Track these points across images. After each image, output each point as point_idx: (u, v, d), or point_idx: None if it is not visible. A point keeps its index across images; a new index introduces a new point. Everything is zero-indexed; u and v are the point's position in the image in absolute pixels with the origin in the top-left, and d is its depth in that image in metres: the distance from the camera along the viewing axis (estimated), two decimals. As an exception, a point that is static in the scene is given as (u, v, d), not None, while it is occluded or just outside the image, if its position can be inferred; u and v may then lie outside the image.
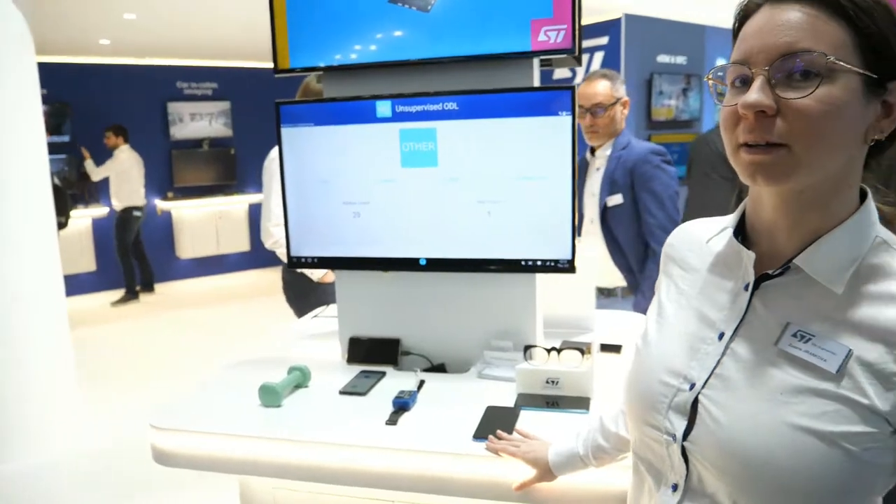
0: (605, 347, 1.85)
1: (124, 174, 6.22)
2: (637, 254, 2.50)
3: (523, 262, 1.63)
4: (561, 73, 5.62)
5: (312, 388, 1.66)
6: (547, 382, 1.54)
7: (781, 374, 0.73)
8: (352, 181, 1.72)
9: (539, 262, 1.62)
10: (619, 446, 1.11)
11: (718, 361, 0.78)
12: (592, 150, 2.60)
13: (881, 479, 0.71)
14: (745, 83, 0.72)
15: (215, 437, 1.44)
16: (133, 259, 6.46)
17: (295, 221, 1.79)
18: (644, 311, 2.45)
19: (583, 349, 1.56)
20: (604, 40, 5.59)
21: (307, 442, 1.39)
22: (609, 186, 2.50)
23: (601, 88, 2.47)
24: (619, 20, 5.43)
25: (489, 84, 1.62)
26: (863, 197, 0.77)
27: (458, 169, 1.63)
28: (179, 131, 7.23)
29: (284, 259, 2.74)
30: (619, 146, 2.52)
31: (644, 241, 2.47)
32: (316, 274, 2.84)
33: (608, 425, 1.12)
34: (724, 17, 6.14)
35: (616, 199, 2.49)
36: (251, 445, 1.41)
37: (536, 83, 1.65)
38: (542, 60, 1.68)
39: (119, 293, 6.48)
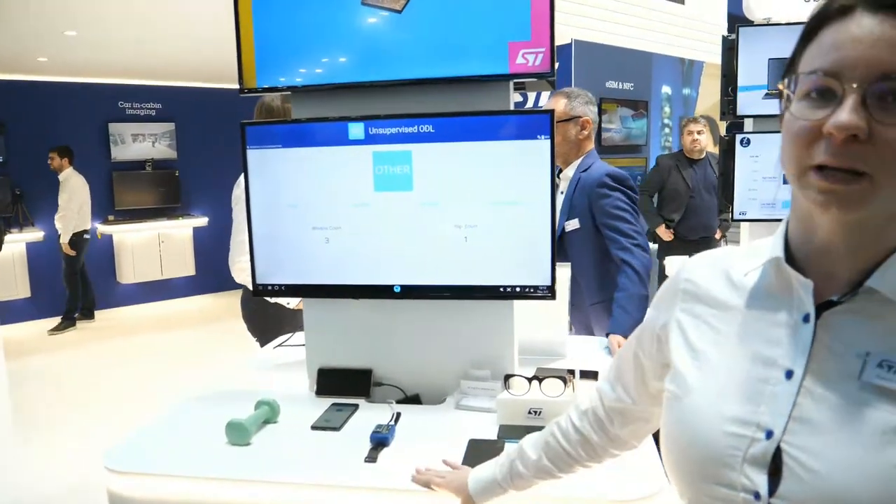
0: (583, 374, 1.82)
1: (76, 197, 5.97)
2: (596, 278, 2.40)
3: (501, 289, 1.60)
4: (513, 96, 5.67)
5: (282, 423, 1.57)
6: (529, 413, 1.50)
7: (875, 412, 0.65)
8: (322, 205, 1.66)
9: (518, 289, 1.59)
10: (538, 473, 1.06)
11: (794, 403, 0.70)
12: (559, 173, 2.55)
13: None
14: (826, 97, 0.64)
15: (180, 479, 1.34)
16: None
17: (261, 248, 1.71)
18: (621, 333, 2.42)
19: (565, 378, 1.52)
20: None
21: (281, 483, 1.30)
22: (568, 210, 2.41)
23: (557, 105, 2.40)
24: (569, 45, 5.54)
25: (464, 106, 1.59)
26: None
27: (434, 193, 1.59)
28: (121, 153, 6.98)
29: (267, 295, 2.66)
30: (581, 168, 2.43)
31: (605, 267, 2.37)
32: (293, 302, 2.70)
33: (527, 450, 1.07)
34: (668, 47, 6.34)
35: (573, 224, 2.40)
36: (220, 488, 1.32)
37: (511, 107, 1.63)
38: (515, 84, 1.66)
39: (56, 320, 6.16)
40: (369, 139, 1.60)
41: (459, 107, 1.59)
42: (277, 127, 1.66)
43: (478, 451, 1.37)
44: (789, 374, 0.71)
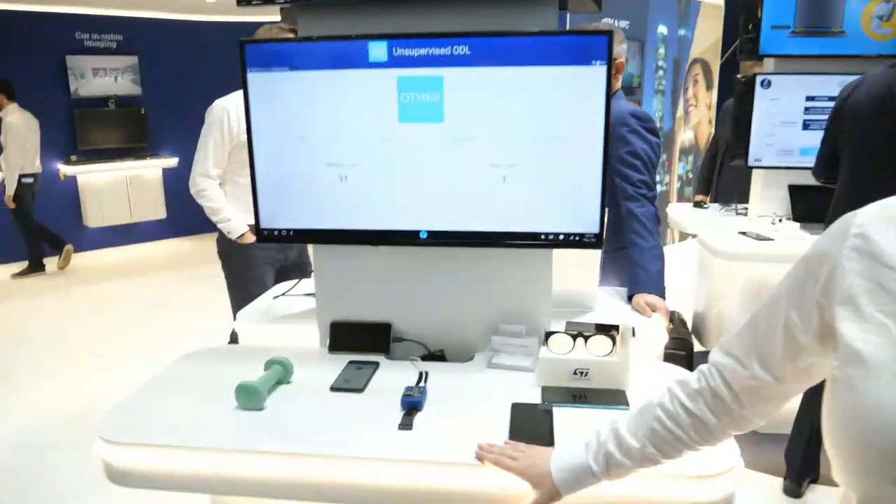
0: (601, 328, 1.68)
1: (17, 139, 5.46)
2: (610, 225, 2.24)
3: (542, 237, 1.43)
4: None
5: (296, 384, 1.40)
6: (574, 374, 1.35)
7: None
8: (337, 139, 1.45)
9: (561, 237, 1.42)
10: (642, 462, 0.94)
11: None
12: None
13: None
14: None
15: (186, 451, 1.17)
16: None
17: (265, 187, 1.51)
18: (616, 281, 2.29)
19: (613, 335, 1.38)
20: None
21: (304, 455, 1.14)
22: None
23: None
24: (563, -19, 5.25)
25: (504, 26, 1.39)
26: None
27: (468, 126, 1.39)
28: (83, 88, 6.52)
29: (212, 215, 2.58)
30: None
31: (620, 213, 2.17)
32: (234, 231, 2.58)
33: (627, 438, 0.94)
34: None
35: None
36: (234, 460, 1.15)
37: (556, 27, 1.43)
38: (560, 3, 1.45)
39: (20, 265, 5.82)
40: (393, 62, 1.38)
41: (498, 26, 1.38)
42: (285, 46, 1.44)
43: (523, 417, 1.23)
44: None
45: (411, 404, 1.26)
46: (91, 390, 3.44)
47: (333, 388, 1.36)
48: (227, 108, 2.48)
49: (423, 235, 1.46)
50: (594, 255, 1.78)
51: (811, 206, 3.05)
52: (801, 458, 2.37)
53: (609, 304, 1.92)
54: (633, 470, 0.94)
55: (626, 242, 2.03)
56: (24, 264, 5.83)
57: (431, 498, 1.12)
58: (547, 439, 1.14)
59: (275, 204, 1.51)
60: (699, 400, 0.89)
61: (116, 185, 6.69)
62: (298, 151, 1.47)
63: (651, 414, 0.93)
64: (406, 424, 1.20)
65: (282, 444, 1.16)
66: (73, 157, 6.53)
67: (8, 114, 5.47)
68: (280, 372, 1.38)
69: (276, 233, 1.53)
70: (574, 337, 1.38)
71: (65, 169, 6.41)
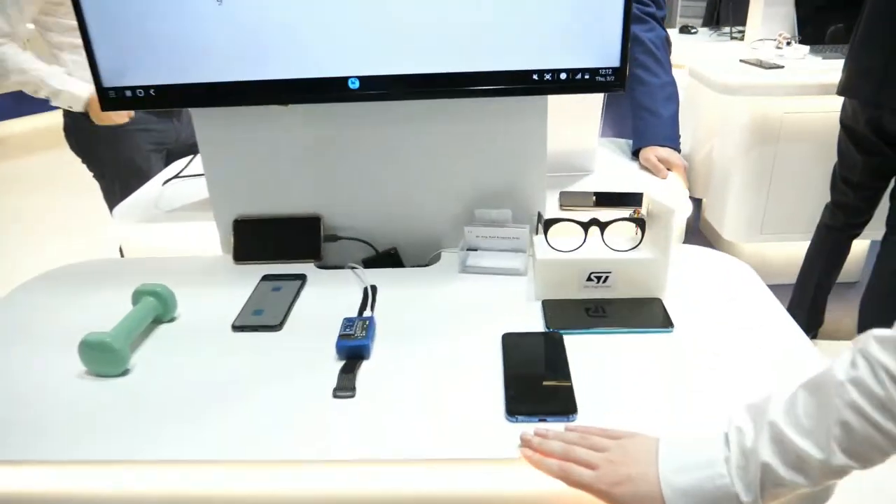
0: (602, 199, 1.26)
1: None
2: None
3: (536, 76, 0.94)
4: None
5: (182, 322, 0.95)
6: (589, 280, 0.93)
7: None
8: (200, -67, 0.89)
9: (565, 75, 0.93)
10: (823, 477, 0.55)
11: None
12: None
13: None
14: None
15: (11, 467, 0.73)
16: None
17: (101, 25, 0.96)
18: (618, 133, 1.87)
19: (640, 217, 0.94)
20: None
21: (186, 463, 0.71)
22: None
23: None
24: None
25: None
26: None
27: None
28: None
29: (33, 89, 1.73)
30: None
31: None
32: (77, 97, 1.74)
33: (796, 442, 0.55)
34: None
35: None
36: (71, 474, 0.72)
37: None
38: None
39: None
40: None
41: None
42: None
43: (523, 359, 0.81)
44: None
45: (352, 351, 0.83)
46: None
47: (236, 327, 0.92)
48: None
49: (354, 84, 0.96)
50: (595, 100, 1.31)
51: (822, 26, 2.58)
52: (807, 311, 2.13)
53: (609, 162, 1.48)
54: (802, 489, 0.55)
55: (629, 79, 1.56)
56: None
57: None
58: (566, 400, 0.73)
59: (119, 50, 0.97)
60: None
61: None
62: (140, -42, 0.91)
63: (836, 397, 0.52)
64: (344, 388, 0.77)
65: (142, 446, 0.73)
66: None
67: None
68: (154, 307, 0.92)
69: (126, 94, 1.00)
70: (585, 226, 0.94)
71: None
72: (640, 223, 0.93)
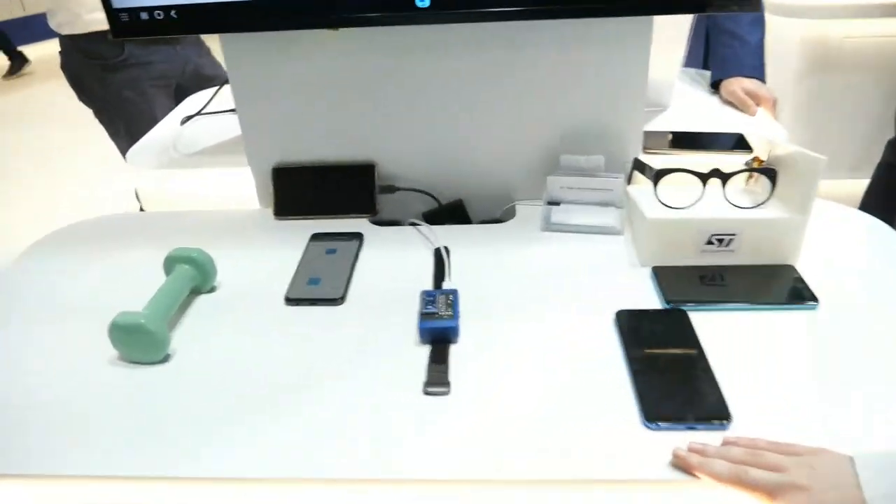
0: (677, 140, 1.09)
1: None
2: None
3: (652, -8, 0.76)
4: None
5: (223, 293, 0.81)
6: (709, 243, 0.78)
7: None
8: None
9: (689, -10, 0.75)
10: None
11: None
12: None
13: None
14: None
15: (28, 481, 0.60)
16: None
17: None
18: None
19: (771, 168, 0.78)
20: None
21: (245, 481, 0.58)
22: None
23: None
24: None
25: None
26: None
27: None
28: None
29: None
30: None
31: None
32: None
33: None
34: None
35: None
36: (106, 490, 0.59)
37: None
38: None
39: None
40: None
41: None
42: None
43: (638, 337, 0.67)
44: None
45: (438, 334, 0.69)
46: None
47: (290, 300, 0.77)
48: None
49: (424, 3, 0.78)
50: (682, 23, 1.12)
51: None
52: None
53: (685, 96, 1.31)
54: None
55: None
56: None
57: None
58: (716, 402, 0.59)
59: (132, -41, 0.79)
60: None
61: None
62: None
63: None
64: (437, 383, 0.64)
65: (192, 456, 0.60)
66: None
67: None
68: (192, 276, 0.78)
69: (142, 17, 0.82)
70: (704, 177, 0.78)
71: None
72: (771, 174, 0.78)
